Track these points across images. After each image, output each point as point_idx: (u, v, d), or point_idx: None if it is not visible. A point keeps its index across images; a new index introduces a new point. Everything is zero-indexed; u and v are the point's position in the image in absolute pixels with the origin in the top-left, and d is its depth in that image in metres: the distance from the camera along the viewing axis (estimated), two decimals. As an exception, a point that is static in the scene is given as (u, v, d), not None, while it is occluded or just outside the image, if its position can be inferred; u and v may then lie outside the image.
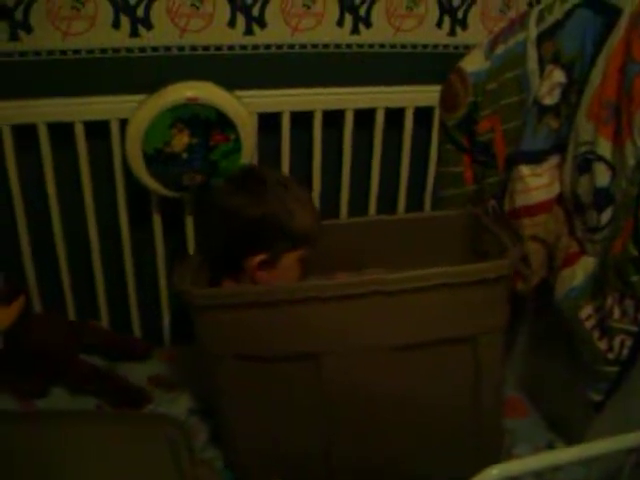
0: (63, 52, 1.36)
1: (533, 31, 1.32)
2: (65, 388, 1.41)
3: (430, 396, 1.20)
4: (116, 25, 1.35)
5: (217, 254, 1.25)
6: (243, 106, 1.37)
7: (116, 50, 1.38)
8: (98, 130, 1.39)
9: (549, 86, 1.26)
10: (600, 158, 1.16)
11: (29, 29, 1.32)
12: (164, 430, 1.28)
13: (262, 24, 1.41)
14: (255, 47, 1.43)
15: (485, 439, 1.27)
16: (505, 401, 1.44)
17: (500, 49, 1.39)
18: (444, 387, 1.20)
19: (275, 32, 1.42)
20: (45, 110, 1.36)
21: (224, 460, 1.29)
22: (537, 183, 1.29)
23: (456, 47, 1.51)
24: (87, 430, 1.26)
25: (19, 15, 1.30)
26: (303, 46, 1.45)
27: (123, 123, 1.37)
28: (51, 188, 1.42)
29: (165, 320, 1.61)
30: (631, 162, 1.08)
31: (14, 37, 1.32)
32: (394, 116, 1.52)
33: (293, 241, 1.20)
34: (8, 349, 1.37)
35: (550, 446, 1.37)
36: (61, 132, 1.38)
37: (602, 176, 1.16)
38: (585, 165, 1.20)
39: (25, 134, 1.37)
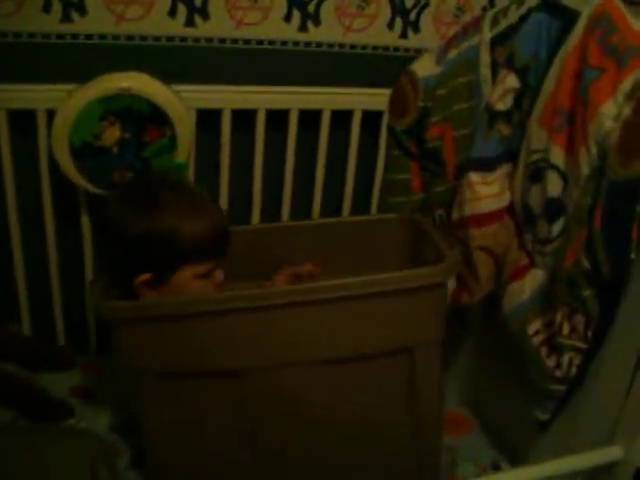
0: (-13, 35, 1.26)
1: (487, 35, 1.27)
2: (-23, 399, 1.30)
3: (363, 413, 1.13)
4: (47, 9, 1.27)
5: (108, 269, 1.14)
6: (181, 101, 1.30)
7: (46, 35, 1.29)
8: (23, 121, 1.30)
9: (502, 91, 1.21)
10: (552, 167, 1.11)
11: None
12: (86, 448, 1.19)
13: (204, 15, 1.34)
14: (196, 40, 1.36)
15: (423, 456, 1.21)
16: (447, 417, 1.40)
17: (452, 54, 1.34)
18: (378, 403, 1.14)
19: (218, 25, 1.36)
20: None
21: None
22: (487, 192, 1.24)
23: (407, 50, 1.47)
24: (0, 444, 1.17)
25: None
26: (247, 41, 1.38)
27: (51, 114, 1.28)
28: (-31, 182, 1.32)
29: (91, 327, 1.51)
30: (585, 171, 1.04)
31: None
32: (341, 118, 1.46)
33: (179, 257, 1.08)
34: None
35: (494, 466, 1.32)
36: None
37: (554, 185, 1.11)
38: (537, 174, 1.15)
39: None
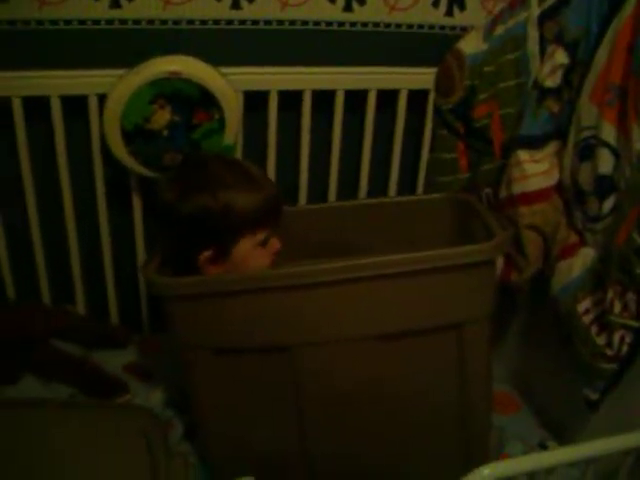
0: (40, 22, 1.28)
1: (535, 10, 1.26)
2: (37, 376, 1.35)
3: (412, 389, 1.14)
4: (95, -5, 1.29)
5: (170, 251, 1.17)
6: (228, 83, 1.31)
7: (96, 22, 1.31)
8: (76, 106, 1.33)
9: (551, 67, 1.21)
10: (603, 143, 1.10)
11: (3, -4, 1.25)
12: (139, 422, 1.23)
13: (250, -3, 1.34)
14: (242, 22, 1.36)
15: (472, 435, 1.21)
16: (496, 396, 1.39)
17: (499, 30, 1.33)
18: (428, 379, 1.15)
19: (264, 7, 1.35)
20: (20, 83, 1.29)
21: (198, 455, 1.23)
22: (536, 170, 1.24)
23: (453, 28, 1.45)
24: (59, 420, 1.21)
25: (-8, -19, 1.24)
26: (292, 22, 1.38)
27: (102, 99, 1.30)
28: (25, 166, 1.35)
29: (144, 306, 1.54)
30: (637, 147, 1.03)
31: (-14, 6, 1.25)
32: (387, 98, 1.46)
33: (237, 229, 1.12)
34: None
35: (542, 445, 1.32)
36: (37, 107, 1.31)
37: (605, 162, 1.10)
38: (587, 151, 1.15)
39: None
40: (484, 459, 1.20)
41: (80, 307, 1.51)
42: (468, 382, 1.16)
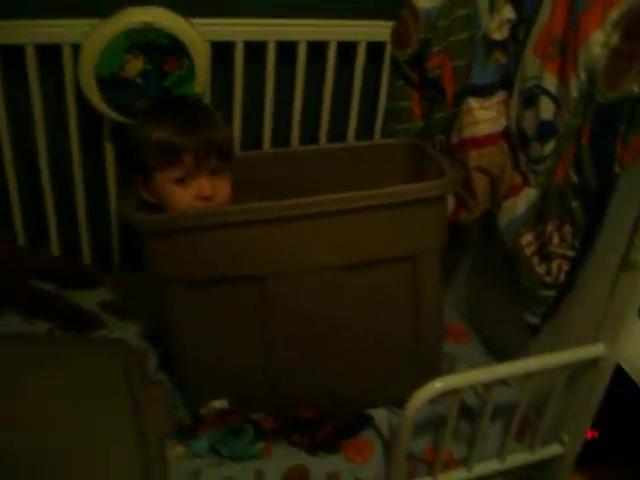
0: (13, -29, 1.33)
1: (485, -32, 1.35)
2: (18, 312, 1.42)
3: (372, 317, 1.26)
4: (69, -55, 1.33)
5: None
6: (197, 34, 1.37)
7: (68, -29, 1.35)
8: (49, 54, 1.37)
9: (499, 22, 1.30)
10: (545, 92, 1.21)
11: (-22, -56, 1.28)
12: (116, 353, 1.31)
13: (217, -49, 1.40)
14: (210, -26, 1.42)
15: (425, 361, 1.33)
16: (448, 328, 1.53)
17: (452, -14, 1.42)
18: (385, 308, 1.26)
19: (230, -40, 1.42)
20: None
21: (174, 381, 1.32)
22: (485, 116, 1.34)
23: (409, -17, 1.53)
24: (40, 352, 1.27)
25: None
26: (258, -25, 1.45)
27: (75, 48, 1.35)
28: (1, 112, 1.40)
29: (115, 247, 1.62)
30: (574, 94, 1.14)
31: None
32: (347, 50, 1.54)
33: (148, 160, 1.20)
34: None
35: (489, 368, 1.44)
36: (11, 55, 1.36)
37: (547, 109, 1.21)
38: (531, 99, 1.25)
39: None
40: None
41: (54, 249, 1.58)
42: (422, 310, 1.27)
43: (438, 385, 1.11)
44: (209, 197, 1.21)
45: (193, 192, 1.21)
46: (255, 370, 1.27)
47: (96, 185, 1.54)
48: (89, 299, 1.50)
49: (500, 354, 1.49)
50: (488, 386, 1.21)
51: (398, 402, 1.21)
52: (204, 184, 1.21)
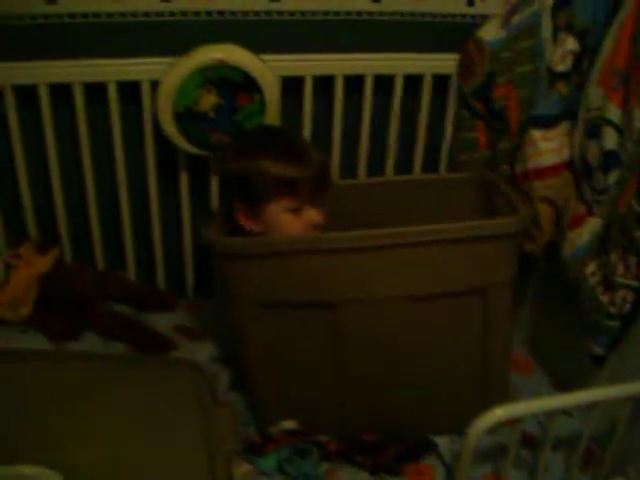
0: (96, 15, 1.42)
1: (548, 1, 1.37)
2: (96, 334, 1.49)
3: (441, 347, 1.27)
4: (148, -10, 1.42)
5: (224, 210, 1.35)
6: (268, 69, 1.44)
7: (147, 14, 1.44)
8: (129, 90, 1.46)
9: (562, 54, 1.32)
10: (609, 122, 1.22)
11: (66, -8, 1.39)
12: (188, 373, 1.35)
13: (288, -9, 1.47)
14: (280, 13, 1.48)
15: (493, 392, 1.33)
16: (512, 358, 1.52)
17: (516, 19, 1.44)
18: (455, 338, 1.27)
19: (300, -1, 1.48)
20: (81, 70, 1.43)
21: (246, 400, 1.37)
22: (548, 147, 1.36)
23: (473, 17, 1.56)
24: (113, 371, 1.33)
25: (57, -22, 1.37)
26: (326, 13, 1.50)
27: (153, 84, 1.44)
28: (85, 145, 1.49)
29: (189, 272, 1.68)
30: (638, 125, 1.14)
31: (51, 0, 1.38)
32: (413, 82, 1.58)
33: (267, 191, 1.25)
34: (44, 295, 1.46)
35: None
36: (95, 92, 1.45)
37: (610, 139, 1.22)
38: (594, 130, 1.26)
39: (60, 93, 1.44)
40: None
41: (131, 273, 1.66)
42: (491, 341, 1.28)
43: (499, 413, 1.11)
44: (318, 225, 1.29)
45: (305, 221, 1.28)
46: (324, 393, 1.30)
47: (171, 213, 1.62)
48: (163, 322, 1.57)
49: (564, 385, 1.47)
50: (550, 416, 1.20)
51: (464, 430, 1.22)
52: (316, 213, 1.29)
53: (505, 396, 1.38)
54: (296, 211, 1.27)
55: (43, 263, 1.46)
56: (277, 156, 1.25)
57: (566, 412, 1.33)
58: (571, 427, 1.32)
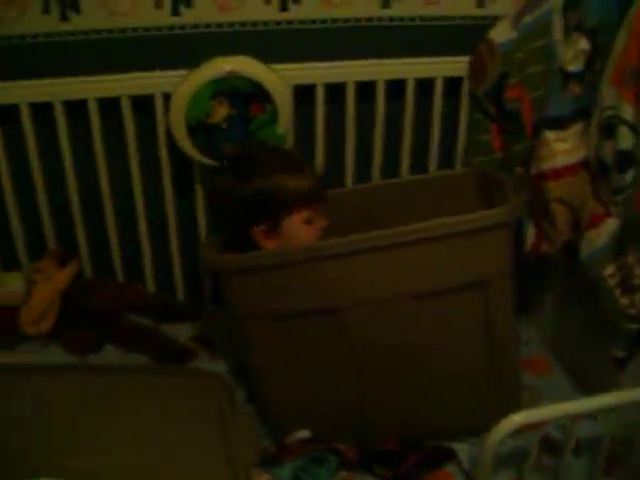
0: (109, 31, 1.44)
1: (559, 1, 1.36)
2: (115, 346, 1.51)
3: (446, 346, 1.27)
4: (158, 5, 1.43)
5: (228, 231, 1.36)
6: (279, 79, 1.44)
7: (158, 29, 1.45)
8: (143, 104, 1.48)
9: (574, 53, 1.31)
10: (623, 121, 1.20)
11: (78, 10, 1.40)
12: (209, 384, 1.37)
13: (296, 0, 1.47)
14: (289, 22, 1.49)
15: (503, 390, 1.32)
16: (531, 360, 1.52)
17: (527, 19, 1.43)
18: (458, 336, 1.27)
19: (309, 7, 1.48)
20: (95, 86, 1.44)
21: (260, 412, 1.37)
22: (562, 147, 1.34)
23: (484, 18, 1.55)
24: (135, 380, 1.36)
25: (69, -4, 1.39)
26: (335, 20, 1.50)
27: (166, 97, 1.45)
28: (101, 160, 1.51)
29: (206, 284, 1.69)
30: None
31: (64, 18, 1.40)
32: (424, 86, 1.57)
33: (287, 207, 1.27)
34: (64, 308, 1.48)
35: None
36: (109, 106, 1.47)
37: (625, 139, 1.20)
38: (609, 129, 1.24)
39: (75, 109, 1.46)
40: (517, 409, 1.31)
41: (150, 285, 1.67)
42: (495, 338, 1.27)
43: (517, 419, 1.10)
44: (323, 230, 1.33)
45: (316, 227, 1.32)
46: (337, 401, 1.30)
47: (188, 224, 1.63)
48: (182, 333, 1.58)
49: (586, 386, 1.46)
50: (572, 420, 1.19)
51: (480, 431, 1.21)
52: (321, 219, 1.32)
53: (517, 394, 1.36)
54: (309, 221, 1.30)
55: (62, 277, 1.48)
56: (287, 170, 1.28)
57: (590, 415, 1.31)
58: (594, 430, 1.30)
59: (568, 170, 1.35)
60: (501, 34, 1.47)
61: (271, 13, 1.47)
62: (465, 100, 1.58)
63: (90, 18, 1.41)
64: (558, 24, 1.36)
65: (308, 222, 1.30)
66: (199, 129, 1.43)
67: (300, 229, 1.29)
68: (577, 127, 1.33)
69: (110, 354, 1.50)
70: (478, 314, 1.25)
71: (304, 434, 1.29)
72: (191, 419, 1.28)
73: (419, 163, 1.66)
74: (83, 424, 1.23)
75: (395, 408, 1.30)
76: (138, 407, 1.28)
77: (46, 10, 1.39)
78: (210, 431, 1.26)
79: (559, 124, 1.34)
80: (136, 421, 1.24)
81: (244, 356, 1.32)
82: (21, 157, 1.50)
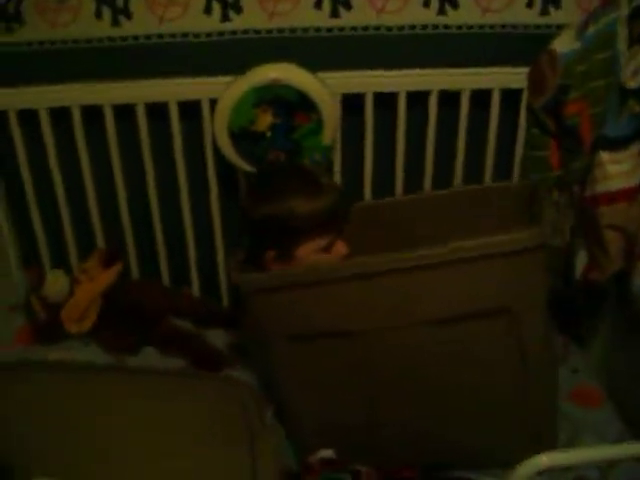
0: (160, 36, 1.45)
1: (625, 9, 1.26)
2: (155, 348, 1.52)
3: (472, 373, 1.21)
4: (208, 11, 1.43)
5: (247, 248, 1.29)
6: (326, 87, 1.41)
7: (208, 34, 1.45)
8: (189, 110, 1.48)
9: (634, 68, 1.21)
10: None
11: (129, 15, 1.41)
12: (237, 392, 1.36)
13: (348, 6, 1.43)
14: (341, 29, 1.46)
15: (536, 421, 1.25)
16: (581, 390, 1.43)
17: (591, 29, 1.34)
18: (485, 363, 1.20)
19: (361, 14, 1.44)
20: (143, 92, 1.46)
21: (284, 430, 1.34)
22: (617, 170, 1.25)
23: (548, 27, 1.47)
24: (165, 387, 1.35)
25: (120, 2, 1.40)
26: (389, 28, 1.46)
27: (213, 103, 1.44)
28: (148, 165, 1.53)
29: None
30: None
31: (115, 22, 1.42)
32: (481, 97, 1.51)
33: (298, 234, 1.20)
34: (106, 309, 1.51)
35: (620, 440, 1.33)
36: (157, 111, 1.48)
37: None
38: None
39: (123, 113, 1.48)
40: (552, 444, 1.24)
41: (195, 289, 1.68)
42: (528, 367, 1.20)
43: (545, 460, 1.03)
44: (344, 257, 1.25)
45: (335, 255, 1.24)
46: (357, 421, 1.27)
47: (234, 229, 1.61)
48: (222, 339, 1.58)
49: (636, 423, 1.36)
50: (610, 463, 1.11)
51: (507, 464, 1.15)
52: (342, 246, 1.25)
53: (552, 426, 1.29)
54: (326, 249, 1.23)
55: (104, 279, 1.51)
56: (301, 193, 1.20)
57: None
58: (635, 474, 1.22)
59: (623, 194, 1.25)
60: (564, 44, 1.39)
61: (322, 19, 1.45)
62: (524, 113, 1.50)
63: (140, 23, 1.42)
64: (623, 35, 1.26)
65: (325, 251, 1.23)
66: (243, 136, 1.42)
67: (314, 258, 1.22)
68: (635, 148, 1.24)
69: (149, 356, 1.51)
70: (507, 342, 1.18)
71: (327, 453, 1.27)
72: (215, 428, 1.26)
73: (473, 177, 1.59)
74: (98, 428, 1.23)
75: (418, 435, 1.25)
76: (166, 414, 1.27)
77: (98, 15, 1.42)
78: (235, 442, 1.25)
79: (615, 145, 1.25)
80: (157, 427, 1.23)
81: (268, 375, 1.31)
82: (72, 161, 1.53)
